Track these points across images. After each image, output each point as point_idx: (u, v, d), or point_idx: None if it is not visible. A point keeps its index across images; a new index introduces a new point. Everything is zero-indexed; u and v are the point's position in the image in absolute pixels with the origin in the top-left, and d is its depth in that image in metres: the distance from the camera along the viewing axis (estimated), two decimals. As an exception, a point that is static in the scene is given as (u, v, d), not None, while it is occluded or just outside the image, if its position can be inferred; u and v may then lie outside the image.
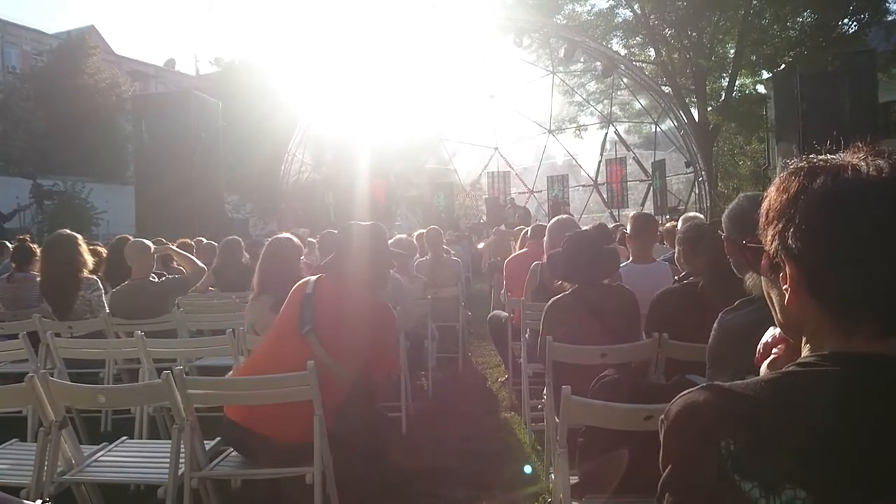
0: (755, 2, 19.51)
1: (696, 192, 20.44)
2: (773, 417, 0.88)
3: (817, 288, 0.92)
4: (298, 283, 3.06)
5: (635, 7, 22.40)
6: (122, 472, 2.81)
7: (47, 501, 2.55)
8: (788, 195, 0.94)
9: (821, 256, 0.90)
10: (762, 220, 1.00)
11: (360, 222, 3.24)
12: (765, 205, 1.00)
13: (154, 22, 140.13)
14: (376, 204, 20.26)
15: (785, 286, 0.96)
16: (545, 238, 4.66)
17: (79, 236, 4.94)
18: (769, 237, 0.98)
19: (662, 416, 0.99)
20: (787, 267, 0.94)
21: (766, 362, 1.25)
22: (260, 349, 3.05)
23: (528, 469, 3.91)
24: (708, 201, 19.43)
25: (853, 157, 0.92)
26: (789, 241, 0.92)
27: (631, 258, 4.36)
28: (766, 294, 1.09)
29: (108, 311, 4.74)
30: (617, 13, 23.64)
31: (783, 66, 20.13)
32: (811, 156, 0.97)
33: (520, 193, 24.58)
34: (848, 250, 0.87)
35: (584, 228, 4.46)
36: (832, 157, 0.95)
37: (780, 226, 0.94)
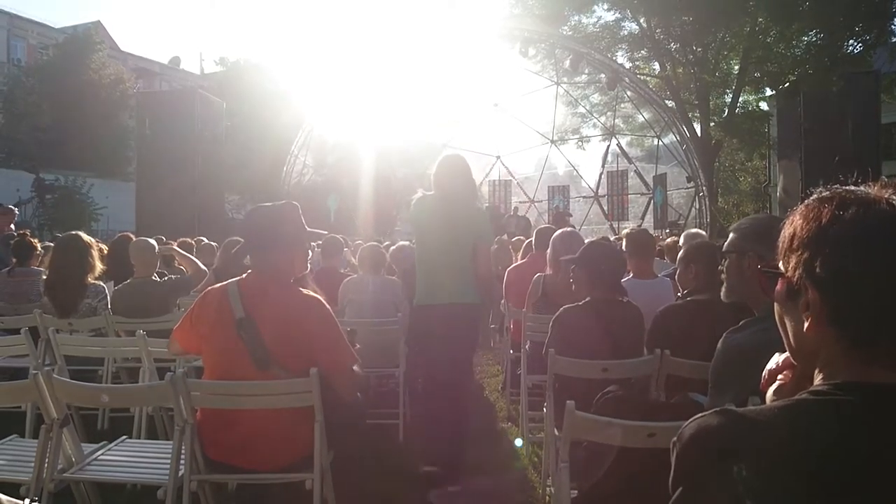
0: (761, 19, 19.61)
1: (697, 206, 20.48)
2: (785, 444, 0.90)
3: (841, 317, 0.93)
4: (214, 291, 2.78)
5: (641, 21, 22.53)
6: (122, 471, 2.81)
7: (35, 500, 2.54)
8: (819, 224, 0.95)
9: (849, 287, 0.91)
10: (784, 245, 1.01)
11: (266, 203, 2.93)
12: (788, 231, 1.01)
13: (160, 19, 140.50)
14: (378, 208, 20.27)
15: (806, 313, 0.97)
16: (549, 250, 4.66)
17: (93, 241, 4.91)
18: (792, 264, 0.99)
19: (675, 438, 1.00)
20: (809, 294, 0.96)
21: (771, 388, 1.27)
22: (209, 371, 2.77)
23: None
24: (708, 216, 19.48)
25: (884, 192, 0.94)
26: (817, 270, 0.94)
27: (632, 274, 4.37)
28: (778, 320, 1.10)
29: (109, 309, 4.74)
30: (623, 26, 23.79)
31: (787, 84, 20.23)
32: (838, 186, 0.98)
33: (521, 203, 24.62)
34: (876, 282, 0.89)
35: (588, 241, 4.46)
36: (861, 188, 0.96)
37: (808, 254, 0.95)
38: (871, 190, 0.95)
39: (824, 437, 0.88)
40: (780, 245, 1.03)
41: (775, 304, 1.09)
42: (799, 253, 0.97)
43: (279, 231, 2.78)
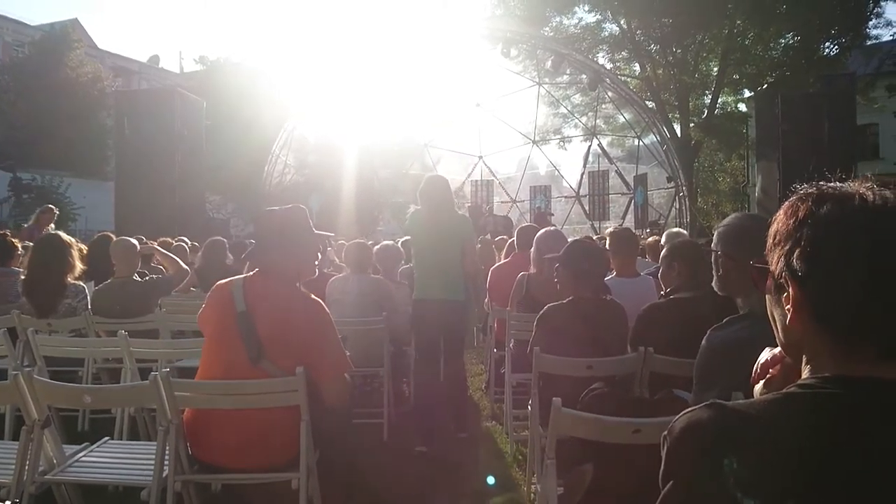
0: (739, 22, 19.85)
1: (677, 206, 20.67)
2: (775, 437, 0.91)
3: (819, 310, 0.95)
4: (222, 285, 2.83)
5: (621, 22, 22.74)
6: (104, 472, 2.78)
7: (16, 502, 2.51)
8: (796, 219, 0.97)
9: (824, 280, 0.93)
10: (770, 241, 1.03)
11: (276, 207, 3.00)
12: (773, 227, 1.03)
13: (139, 18, 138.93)
14: (361, 208, 20.23)
15: (788, 307, 0.99)
16: (532, 249, 4.68)
17: (73, 241, 4.84)
18: (775, 258, 1.01)
19: (665, 432, 1.01)
20: (790, 288, 0.97)
21: (761, 382, 1.28)
22: (205, 357, 2.82)
23: (491, 481, 3.89)
24: (688, 216, 19.66)
25: (860, 187, 0.96)
26: (794, 264, 0.95)
27: (615, 272, 4.40)
28: (769, 313, 1.12)
29: (89, 309, 4.69)
30: (604, 28, 24.02)
31: (765, 85, 20.48)
32: (820, 182, 1.00)
33: (502, 202, 24.69)
34: (850, 275, 0.91)
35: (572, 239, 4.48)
36: (839, 184, 0.98)
37: (787, 249, 0.97)
38: (850, 186, 0.97)
39: (811, 431, 0.90)
40: (768, 241, 1.04)
41: (766, 298, 1.11)
42: (780, 248, 0.99)
43: (286, 234, 2.83)
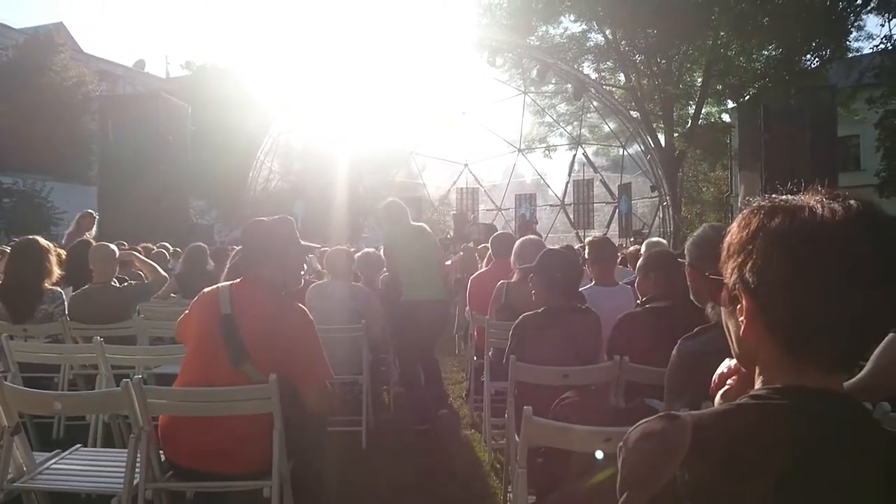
0: (723, 33, 20.04)
1: (661, 216, 20.80)
2: (725, 448, 0.92)
3: (770, 322, 0.96)
4: (209, 291, 2.85)
5: (607, 33, 22.89)
6: (75, 480, 2.75)
7: None
8: (748, 232, 0.99)
9: (773, 292, 0.94)
10: (724, 253, 1.05)
11: (264, 218, 3.01)
12: (727, 239, 1.04)
13: (124, 22, 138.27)
14: (345, 215, 20.18)
15: (741, 318, 1.00)
16: (512, 257, 4.69)
17: (51, 246, 4.78)
18: (729, 270, 1.02)
19: (621, 443, 1.02)
20: (743, 300, 0.99)
21: (719, 393, 1.30)
22: (187, 363, 2.82)
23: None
24: (672, 226, 19.79)
25: (811, 199, 0.97)
26: (746, 276, 0.97)
27: (594, 281, 4.42)
28: (724, 325, 1.13)
29: (66, 315, 4.64)
30: (589, 37, 24.17)
31: (748, 97, 20.68)
32: (773, 195, 1.01)
33: (488, 210, 24.77)
34: (799, 288, 0.92)
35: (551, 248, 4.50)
36: (792, 197, 0.99)
37: (739, 260, 0.99)
38: (801, 199, 0.98)
39: (761, 441, 0.91)
40: (722, 253, 1.06)
41: (721, 310, 1.12)
42: (733, 260, 1.00)
43: (272, 245, 2.85)
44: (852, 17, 20.04)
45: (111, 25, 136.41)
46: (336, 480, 3.75)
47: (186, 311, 2.91)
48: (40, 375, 4.31)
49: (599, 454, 2.09)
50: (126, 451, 2.67)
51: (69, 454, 2.96)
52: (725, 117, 26.54)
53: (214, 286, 2.89)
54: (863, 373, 2.15)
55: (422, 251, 5.22)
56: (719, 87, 23.11)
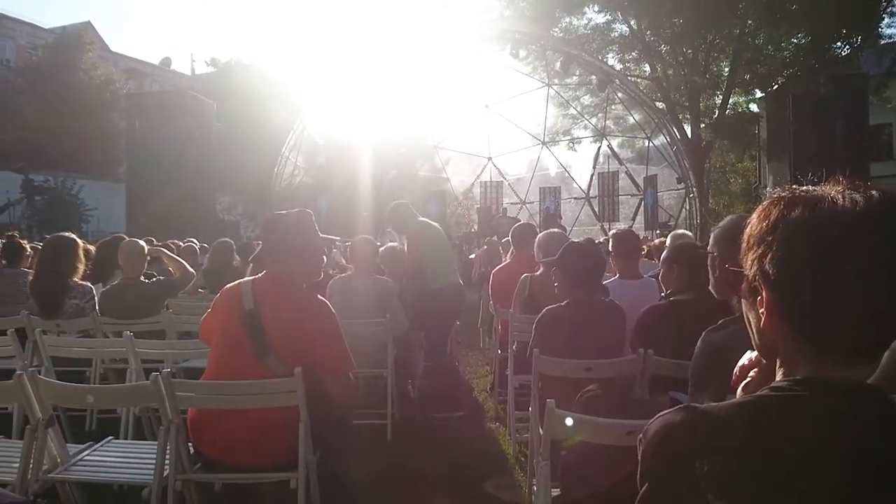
0: (750, 21, 19.73)
1: (687, 208, 20.57)
2: (745, 440, 0.92)
3: (790, 314, 0.95)
4: (232, 286, 2.88)
5: (631, 23, 22.63)
6: (107, 471, 2.82)
7: (38, 499, 2.56)
8: (768, 223, 0.98)
9: (794, 284, 0.94)
10: (744, 245, 1.04)
11: (283, 211, 3.06)
12: (747, 231, 1.04)
13: (150, 20, 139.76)
14: (369, 209, 20.24)
15: (761, 310, 1.00)
16: (535, 250, 4.68)
17: (80, 242, 4.90)
18: (749, 262, 1.02)
19: (641, 434, 1.02)
20: (763, 291, 0.98)
21: (741, 385, 1.29)
22: (212, 359, 2.86)
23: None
24: (698, 218, 19.56)
25: (832, 190, 0.96)
26: (766, 267, 0.96)
27: (618, 274, 4.39)
28: (745, 317, 1.13)
29: (97, 310, 4.74)
30: (613, 28, 23.92)
31: (776, 86, 20.36)
32: (794, 186, 1.01)
33: (512, 204, 24.65)
34: (819, 280, 0.91)
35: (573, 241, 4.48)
36: (813, 188, 0.99)
37: (759, 252, 0.98)
38: (822, 189, 0.98)
39: (781, 433, 0.91)
40: (742, 245, 1.05)
41: (742, 302, 1.12)
42: (753, 252, 1.00)
43: (293, 239, 2.89)
44: (885, 3, 19.60)
45: (137, 24, 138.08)
46: (362, 472, 3.78)
47: (209, 310, 2.96)
48: (73, 370, 4.40)
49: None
50: (156, 443, 2.73)
51: (101, 446, 3.03)
52: (753, 107, 26.13)
53: (237, 281, 2.94)
54: (882, 363, 2.11)
55: (436, 241, 5.66)
56: (747, 76, 22.75)
